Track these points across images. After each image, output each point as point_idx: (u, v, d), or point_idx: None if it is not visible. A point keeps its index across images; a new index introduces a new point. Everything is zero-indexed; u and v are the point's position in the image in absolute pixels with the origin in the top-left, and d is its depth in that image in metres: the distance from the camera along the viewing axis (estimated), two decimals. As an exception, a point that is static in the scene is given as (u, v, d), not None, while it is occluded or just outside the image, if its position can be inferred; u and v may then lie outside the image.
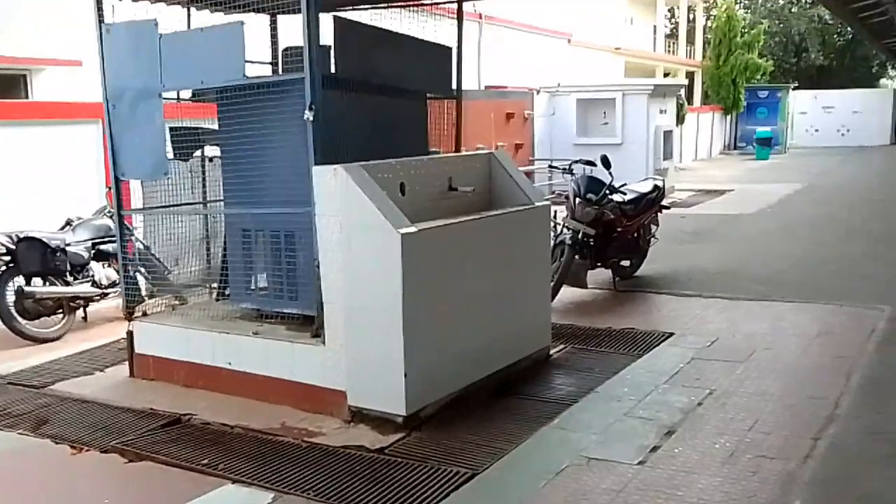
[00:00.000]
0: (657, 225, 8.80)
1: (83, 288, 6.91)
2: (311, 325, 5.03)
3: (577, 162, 7.94)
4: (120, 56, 5.50)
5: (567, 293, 7.75)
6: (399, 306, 4.52)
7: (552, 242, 7.65)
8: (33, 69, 11.67)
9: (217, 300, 5.80)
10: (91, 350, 6.40)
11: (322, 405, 4.93)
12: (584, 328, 6.82)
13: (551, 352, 6.11)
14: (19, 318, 6.60)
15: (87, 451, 4.55)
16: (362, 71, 5.34)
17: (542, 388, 5.35)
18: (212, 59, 5.12)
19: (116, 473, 4.36)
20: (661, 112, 17.54)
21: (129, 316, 5.74)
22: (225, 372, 5.32)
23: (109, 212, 6.90)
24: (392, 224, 4.53)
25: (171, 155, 5.86)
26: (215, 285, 5.86)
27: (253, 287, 5.52)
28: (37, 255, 6.61)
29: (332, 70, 5.20)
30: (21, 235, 6.63)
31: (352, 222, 4.67)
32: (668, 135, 17.48)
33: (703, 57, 36.87)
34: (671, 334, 6.52)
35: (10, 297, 6.56)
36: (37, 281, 6.72)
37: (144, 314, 5.78)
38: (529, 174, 14.86)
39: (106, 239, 7.14)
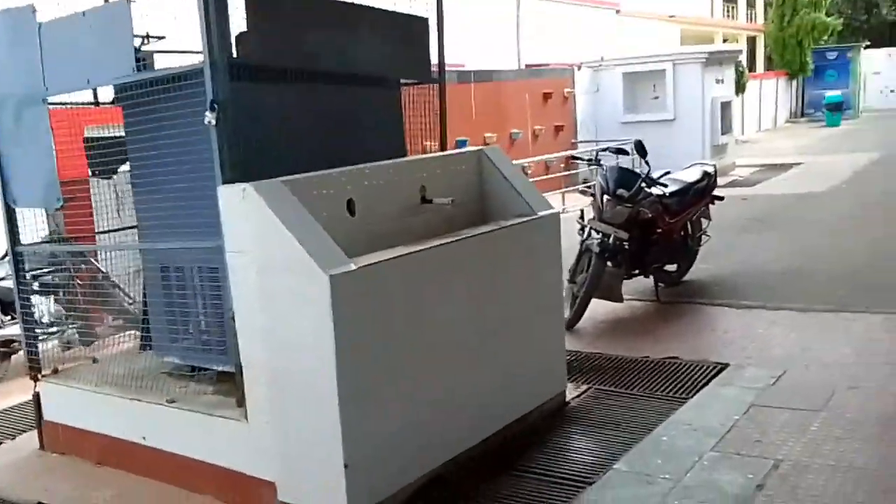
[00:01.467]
0: (709, 219, 7.35)
1: (14, 330, 5.86)
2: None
3: (605, 151, 6.57)
4: (-5, 53, 4.37)
5: (598, 309, 6.41)
6: (332, 372, 3.29)
7: (579, 248, 6.34)
8: None
9: (141, 350, 4.65)
10: (15, 407, 5.33)
11: (249, 498, 3.74)
12: (615, 359, 5.49)
13: (568, 398, 4.82)
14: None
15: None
16: (295, 54, 4.08)
17: (550, 459, 4.06)
18: (98, 50, 3.94)
19: None
20: (717, 82, 15.87)
21: (34, 375, 4.63)
22: (139, 449, 4.17)
23: (51, 236, 5.82)
24: (318, 262, 3.29)
25: (89, 172, 4.75)
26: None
27: (177, 337, 4.35)
28: None
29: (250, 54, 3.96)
30: None
31: (269, 260, 3.45)
32: (726, 106, 15.82)
33: (766, 20, 34.53)
34: (725, 366, 5.15)
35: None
36: (-44, 324, 5.70)
37: (55, 371, 4.67)
38: (570, 161, 13.48)
39: (49, 270, 6.06)
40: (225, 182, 3.60)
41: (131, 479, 4.16)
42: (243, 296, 3.58)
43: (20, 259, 4.60)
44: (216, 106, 3.55)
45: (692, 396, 4.72)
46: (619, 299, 6.37)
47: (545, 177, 12.65)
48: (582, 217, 6.45)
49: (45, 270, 5.87)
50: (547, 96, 14.61)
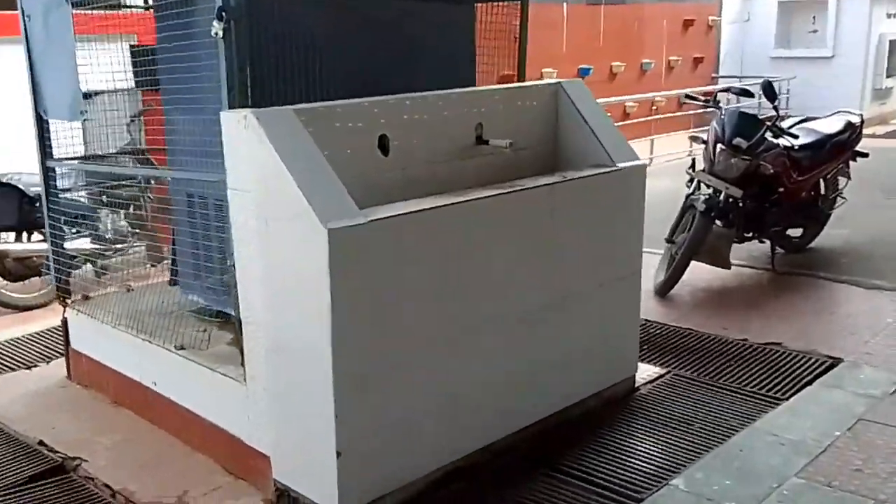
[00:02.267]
0: (848, 178, 6.29)
1: (76, 244, 5.66)
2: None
3: (726, 90, 5.63)
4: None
5: (702, 274, 5.61)
6: (327, 345, 2.76)
7: (683, 202, 5.53)
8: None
9: (170, 285, 4.28)
10: (58, 328, 5.14)
11: (247, 469, 3.32)
12: (707, 338, 4.73)
13: (639, 383, 4.14)
14: (-3, 280, 5.49)
15: None
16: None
17: (597, 460, 3.43)
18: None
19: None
20: (889, 16, 14.04)
21: (64, 300, 4.36)
22: (151, 394, 3.83)
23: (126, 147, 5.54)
24: (317, 210, 2.73)
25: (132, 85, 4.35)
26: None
27: (200, 274, 3.94)
28: (11, 207, 5.40)
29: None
30: None
31: (269, 203, 2.92)
32: (894, 45, 14.00)
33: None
34: (837, 361, 4.31)
35: (-17, 254, 5.43)
36: (11, 236, 5.54)
37: (85, 298, 4.38)
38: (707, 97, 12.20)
39: (123, 183, 5.80)
40: (231, 108, 3.08)
41: (142, 425, 3.84)
42: (244, 241, 3.08)
43: (51, 174, 4.27)
44: (224, 14, 3.00)
45: (789, 397, 3.94)
46: (726, 265, 5.53)
47: (656, 117, 11.46)
48: (693, 167, 5.59)
49: (115, 184, 5.61)
50: (688, 24, 13.30)
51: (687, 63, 13.38)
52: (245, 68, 3.09)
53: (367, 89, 3.45)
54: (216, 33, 3.02)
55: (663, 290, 5.46)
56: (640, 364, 4.29)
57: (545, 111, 3.89)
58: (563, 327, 3.60)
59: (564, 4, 10.96)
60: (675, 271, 5.39)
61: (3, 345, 4.94)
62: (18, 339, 5.03)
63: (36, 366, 4.65)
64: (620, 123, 10.85)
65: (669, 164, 10.05)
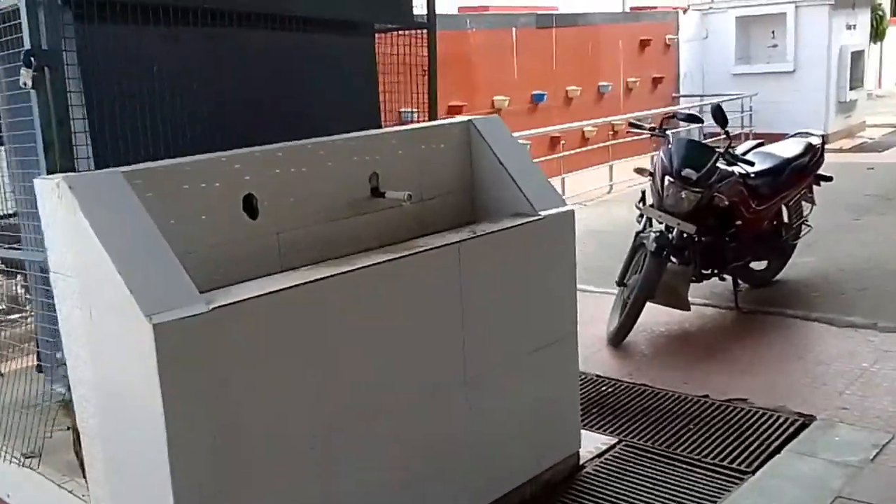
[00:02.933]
0: (812, 203, 5.81)
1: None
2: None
3: (672, 118, 5.14)
4: None
5: (659, 315, 5.09)
6: (164, 462, 2.19)
7: (633, 241, 5.02)
8: None
9: (37, 371, 3.68)
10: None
11: None
12: (665, 396, 4.19)
13: (584, 458, 3.58)
14: None
15: None
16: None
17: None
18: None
19: None
20: (848, 27, 13.75)
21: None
22: (2, 509, 3.23)
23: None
24: (140, 301, 2.16)
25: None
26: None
27: (60, 360, 3.35)
28: None
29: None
30: None
31: (91, 292, 2.36)
32: (857, 56, 13.70)
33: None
34: (809, 420, 3.79)
35: None
36: None
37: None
38: (666, 120, 11.78)
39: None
40: (50, 172, 2.53)
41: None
42: (70, 335, 2.52)
43: None
44: (33, 59, 2.45)
45: (755, 470, 3.41)
46: (685, 306, 5.00)
47: (614, 142, 10.67)
48: (643, 200, 5.08)
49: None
50: (644, 43, 12.91)
51: (646, 84, 12.98)
52: (66, 122, 2.53)
53: (242, 139, 2.91)
54: (24, 83, 2.47)
55: (616, 339, 4.93)
56: (587, 433, 3.75)
57: (455, 154, 3.36)
58: (484, 405, 3.04)
59: (513, 29, 10.49)
60: (627, 318, 4.86)
61: None
62: None
63: None
64: (578, 150, 10.38)
65: (632, 190, 9.57)
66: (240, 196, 2.72)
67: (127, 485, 2.43)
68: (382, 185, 3.09)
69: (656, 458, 3.59)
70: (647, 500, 3.24)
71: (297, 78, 3.37)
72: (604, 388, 4.36)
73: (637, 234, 4.98)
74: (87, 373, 2.46)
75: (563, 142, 10.19)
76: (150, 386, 2.16)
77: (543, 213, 3.20)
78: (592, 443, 3.75)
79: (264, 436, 2.38)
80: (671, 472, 3.45)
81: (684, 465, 3.50)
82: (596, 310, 5.25)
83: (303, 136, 3.02)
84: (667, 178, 4.80)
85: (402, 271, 2.73)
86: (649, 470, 3.48)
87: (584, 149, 10.82)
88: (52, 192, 2.38)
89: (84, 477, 2.67)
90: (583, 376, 4.47)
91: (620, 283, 5.02)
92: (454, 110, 10.93)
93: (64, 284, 2.47)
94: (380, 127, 3.66)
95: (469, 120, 3.40)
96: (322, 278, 2.51)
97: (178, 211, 2.55)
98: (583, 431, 3.75)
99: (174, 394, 2.16)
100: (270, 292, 2.39)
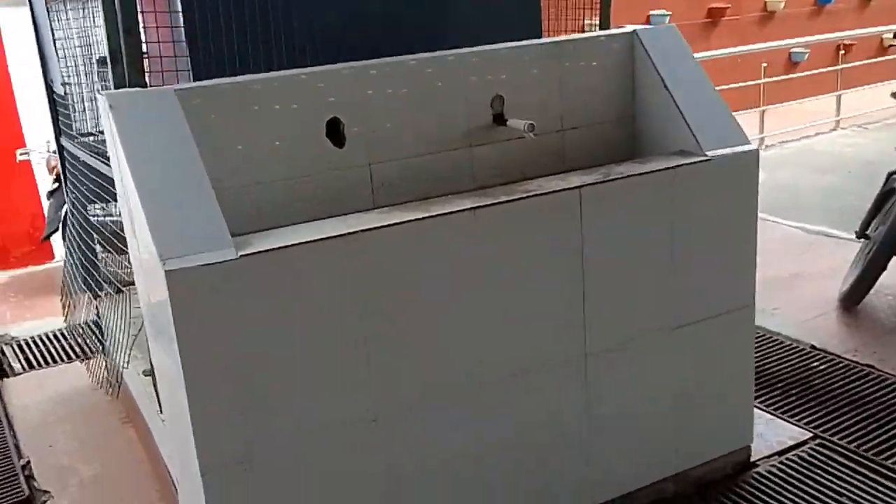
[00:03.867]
0: None
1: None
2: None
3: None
4: None
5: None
6: (188, 427, 1.97)
7: (884, 183, 4.04)
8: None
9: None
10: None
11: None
12: (890, 384, 3.33)
13: (762, 454, 2.92)
14: None
15: None
16: None
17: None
18: None
19: None
20: None
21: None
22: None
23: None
24: (158, 243, 1.90)
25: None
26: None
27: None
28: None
29: None
30: None
31: (132, 219, 2.15)
32: None
33: None
34: None
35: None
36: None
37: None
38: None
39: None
40: (117, 86, 2.33)
41: (134, 454, 3.35)
42: (136, 271, 2.35)
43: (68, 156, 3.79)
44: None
45: None
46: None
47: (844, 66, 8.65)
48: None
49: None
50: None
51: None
52: (134, 30, 2.30)
53: (363, 52, 2.54)
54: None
55: (850, 300, 4.04)
56: (776, 421, 3.10)
57: (611, 75, 2.73)
58: (610, 386, 2.50)
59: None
60: (864, 277, 3.94)
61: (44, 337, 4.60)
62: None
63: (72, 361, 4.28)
64: (786, 77, 8.78)
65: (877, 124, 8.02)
66: (323, 120, 2.36)
67: (172, 430, 2.26)
68: (509, 112, 2.57)
69: (859, 465, 2.84)
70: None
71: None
72: (814, 365, 3.57)
73: (889, 175, 3.96)
74: (143, 302, 2.29)
75: (842, 51, 8.61)
76: (172, 339, 1.92)
77: (711, 154, 2.50)
78: (778, 435, 3.07)
79: (298, 409, 2.06)
80: (875, 488, 2.70)
81: (879, 472, 2.74)
82: (832, 259, 4.38)
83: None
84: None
85: (496, 221, 2.23)
86: (845, 481, 2.76)
87: (878, 59, 9.15)
88: (104, 111, 2.18)
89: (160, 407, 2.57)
90: (792, 345, 3.71)
91: (861, 234, 4.07)
92: (715, 13, 9.67)
93: (120, 208, 2.29)
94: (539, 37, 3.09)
95: (633, 31, 2.73)
96: (382, 226, 2.09)
97: (247, 136, 2.25)
98: (771, 419, 3.10)
99: (191, 349, 1.90)
100: (316, 240, 2.02)
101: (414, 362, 2.18)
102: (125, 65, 2.29)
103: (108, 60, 2.30)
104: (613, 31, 2.80)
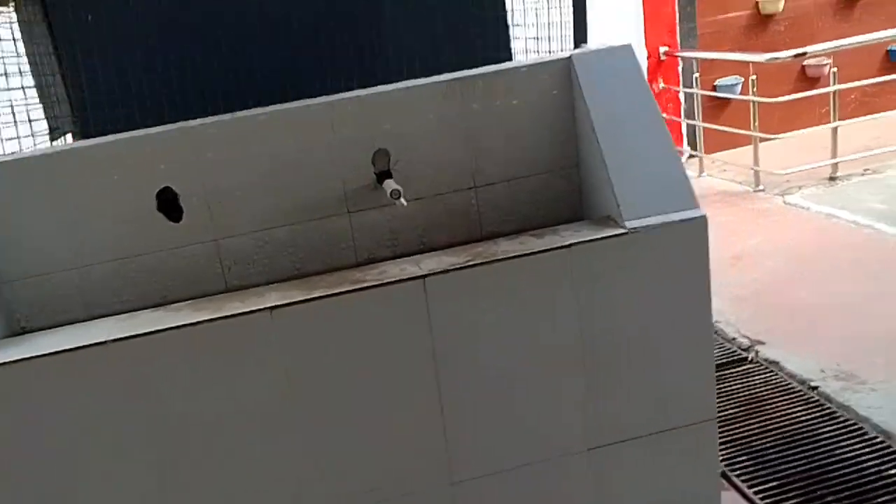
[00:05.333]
0: None
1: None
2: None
3: None
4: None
5: None
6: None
7: None
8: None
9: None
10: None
11: None
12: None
13: None
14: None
15: None
16: None
17: None
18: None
19: None
20: None
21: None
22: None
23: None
24: None
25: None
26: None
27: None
28: None
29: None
30: None
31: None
32: None
33: None
34: None
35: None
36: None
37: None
38: None
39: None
40: None
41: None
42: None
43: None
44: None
45: None
46: None
47: None
48: None
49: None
50: None
51: None
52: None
53: (274, 84, 2.23)
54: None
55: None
56: None
57: (542, 115, 2.14)
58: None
59: None
60: None
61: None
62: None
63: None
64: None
65: None
66: (153, 190, 2.04)
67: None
68: (402, 168, 2.10)
69: None
70: None
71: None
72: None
73: None
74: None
75: None
76: None
77: (634, 225, 1.87)
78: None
79: None
80: None
81: None
82: None
83: (377, 72, 2.22)
84: None
85: (301, 322, 1.79)
86: None
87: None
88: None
89: None
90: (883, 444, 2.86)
91: None
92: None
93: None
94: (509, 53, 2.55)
95: (569, 57, 2.12)
96: (158, 331, 1.74)
97: (72, 214, 2.00)
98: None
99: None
100: (77, 348, 1.73)
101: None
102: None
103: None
104: (542, 58, 2.18)
